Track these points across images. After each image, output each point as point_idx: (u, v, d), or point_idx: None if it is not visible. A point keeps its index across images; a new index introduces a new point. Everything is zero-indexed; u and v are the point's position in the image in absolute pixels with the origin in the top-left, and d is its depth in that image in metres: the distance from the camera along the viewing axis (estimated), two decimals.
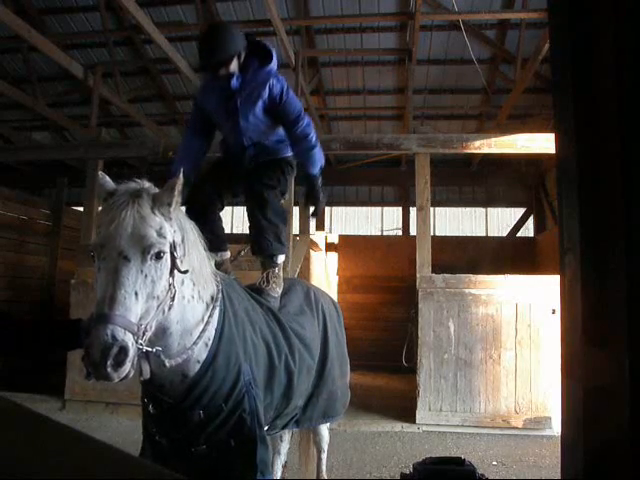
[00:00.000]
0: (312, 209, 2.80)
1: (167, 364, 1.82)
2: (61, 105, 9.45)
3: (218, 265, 2.38)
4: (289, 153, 2.90)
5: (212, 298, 2.05)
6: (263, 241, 2.71)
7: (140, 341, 1.63)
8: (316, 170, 2.74)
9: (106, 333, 1.54)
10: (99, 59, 8.26)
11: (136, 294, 1.64)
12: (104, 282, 1.64)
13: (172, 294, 1.78)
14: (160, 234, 1.73)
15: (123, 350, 1.55)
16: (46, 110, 8.44)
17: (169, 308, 1.79)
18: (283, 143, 2.87)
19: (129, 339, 1.58)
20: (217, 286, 2.11)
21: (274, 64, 2.69)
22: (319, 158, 2.75)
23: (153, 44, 7.23)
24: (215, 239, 2.76)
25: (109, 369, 1.53)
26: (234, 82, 2.66)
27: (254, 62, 2.69)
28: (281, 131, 2.85)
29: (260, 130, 2.78)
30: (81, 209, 7.83)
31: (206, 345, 1.97)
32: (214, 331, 2.01)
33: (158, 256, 1.71)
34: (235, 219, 12.17)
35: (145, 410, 2.04)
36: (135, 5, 5.55)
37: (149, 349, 1.71)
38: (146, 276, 1.67)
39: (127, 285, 1.63)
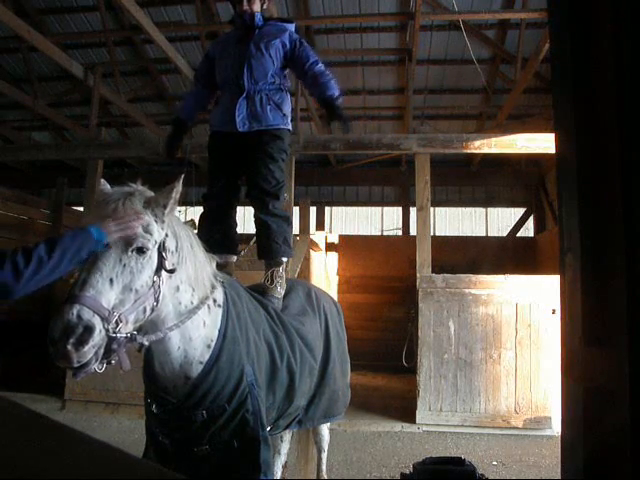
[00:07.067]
0: (339, 124, 2.74)
1: (146, 342, 1.80)
2: (61, 105, 9.45)
3: (221, 267, 2.38)
4: (282, 124, 2.88)
5: (213, 300, 2.04)
6: (273, 245, 2.72)
7: (109, 327, 1.56)
8: (336, 92, 2.79)
9: (72, 312, 1.51)
10: (99, 59, 8.27)
11: (111, 281, 1.61)
12: (83, 268, 1.63)
13: (157, 295, 1.75)
14: (146, 230, 1.74)
15: (88, 330, 1.50)
16: (46, 110, 8.44)
17: (152, 309, 1.76)
18: (278, 112, 2.86)
19: (97, 322, 1.53)
20: (220, 288, 2.11)
21: (293, 26, 3.01)
22: (337, 87, 2.84)
23: (153, 44, 7.23)
24: (225, 240, 2.77)
25: (69, 347, 1.47)
26: (257, 18, 2.90)
27: (276, 22, 3.02)
28: (278, 95, 2.88)
29: (265, 70, 2.83)
30: (81, 209, 7.84)
31: (208, 347, 1.97)
32: (217, 332, 2.01)
33: (141, 250, 1.71)
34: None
35: (148, 410, 2.04)
36: (135, 5, 5.55)
37: (121, 335, 1.62)
38: (125, 266, 1.66)
39: (103, 270, 1.61)
